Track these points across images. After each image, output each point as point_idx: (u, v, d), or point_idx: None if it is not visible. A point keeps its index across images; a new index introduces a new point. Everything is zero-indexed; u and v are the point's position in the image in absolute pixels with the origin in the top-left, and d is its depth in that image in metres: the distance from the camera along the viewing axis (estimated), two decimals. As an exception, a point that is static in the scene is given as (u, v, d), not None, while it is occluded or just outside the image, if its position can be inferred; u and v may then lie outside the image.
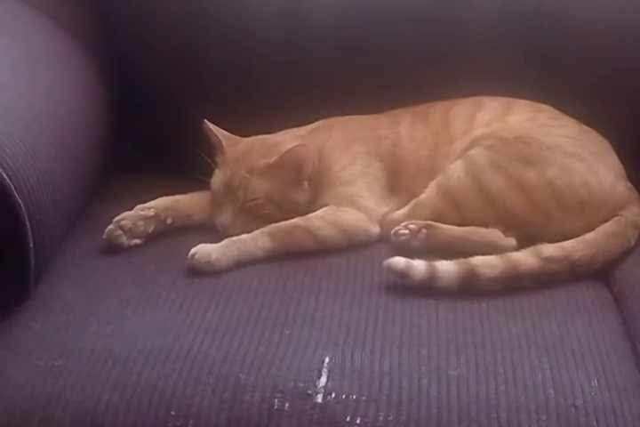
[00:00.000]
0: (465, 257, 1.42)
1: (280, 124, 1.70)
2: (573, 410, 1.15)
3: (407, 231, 1.51)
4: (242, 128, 1.66)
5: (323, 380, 1.16)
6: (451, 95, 1.69)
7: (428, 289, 1.38)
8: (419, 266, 1.39)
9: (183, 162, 1.66)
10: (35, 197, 1.29)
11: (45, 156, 1.36)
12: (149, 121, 1.86)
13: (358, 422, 1.12)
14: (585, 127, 1.64)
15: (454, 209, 1.54)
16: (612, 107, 1.72)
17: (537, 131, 1.58)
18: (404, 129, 1.66)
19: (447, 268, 1.39)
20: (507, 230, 1.52)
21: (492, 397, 1.16)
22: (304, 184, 1.58)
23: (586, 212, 1.53)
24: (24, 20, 1.66)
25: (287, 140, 1.62)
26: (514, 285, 1.41)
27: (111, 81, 1.77)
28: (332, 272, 1.44)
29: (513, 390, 1.17)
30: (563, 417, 1.14)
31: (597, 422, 1.13)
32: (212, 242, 1.46)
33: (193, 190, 1.63)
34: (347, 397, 1.14)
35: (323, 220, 1.53)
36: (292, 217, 1.53)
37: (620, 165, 1.61)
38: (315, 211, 1.56)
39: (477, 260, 1.41)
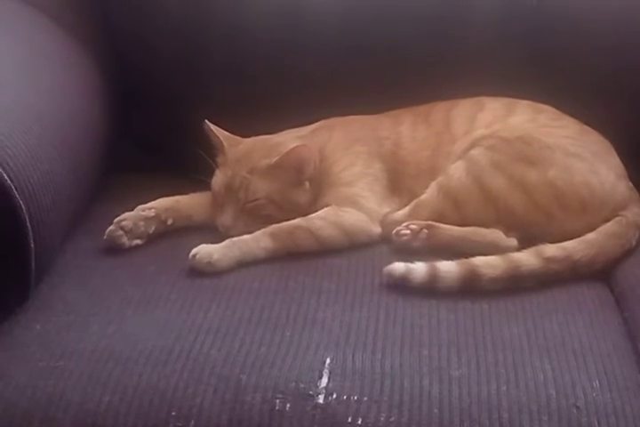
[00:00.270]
0: (466, 257, 1.42)
1: (280, 124, 1.69)
2: (575, 411, 1.15)
3: (408, 232, 1.51)
4: (242, 128, 1.65)
5: (324, 380, 1.16)
6: (452, 95, 1.69)
7: (430, 290, 1.38)
8: (418, 269, 1.39)
9: (184, 162, 1.66)
10: (36, 198, 1.29)
11: (46, 156, 1.36)
12: (150, 121, 1.86)
13: (360, 422, 1.12)
14: (586, 127, 1.64)
15: (455, 209, 1.54)
16: (612, 106, 1.72)
17: (538, 131, 1.58)
18: (405, 129, 1.66)
19: (449, 268, 1.39)
20: (508, 231, 1.52)
21: (493, 397, 1.16)
22: (305, 185, 1.58)
23: (587, 212, 1.53)
24: (25, 20, 1.65)
25: (288, 140, 1.62)
26: (515, 285, 1.41)
27: (112, 81, 1.77)
28: (334, 273, 1.44)
29: (514, 390, 1.17)
30: (564, 418, 1.14)
31: (599, 423, 1.13)
32: (213, 242, 1.46)
33: (194, 191, 1.63)
34: (348, 397, 1.14)
35: (324, 220, 1.52)
36: (294, 218, 1.53)
37: (622, 165, 1.61)
38: (316, 211, 1.55)
39: (479, 260, 1.41)
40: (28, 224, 1.26)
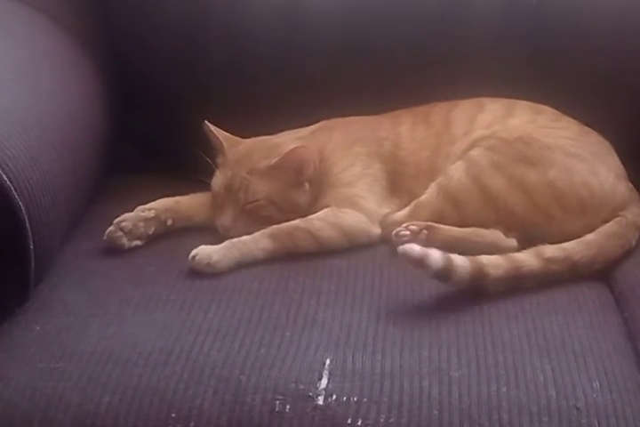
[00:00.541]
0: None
1: (280, 124, 1.69)
2: (575, 412, 1.15)
3: (408, 232, 1.51)
4: (242, 129, 1.65)
5: (324, 382, 1.16)
6: (451, 95, 1.69)
7: (443, 279, 1.36)
8: (434, 255, 1.36)
9: (183, 163, 1.66)
10: (35, 199, 1.29)
11: (46, 157, 1.36)
12: (150, 122, 1.86)
13: (359, 424, 1.12)
14: (586, 128, 1.64)
15: (455, 210, 1.54)
16: (612, 107, 1.72)
17: (538, 132, 1.58)
18: (405, 130, 1.66)
19: (461, 262, 1.37)
20: (508, 231, 1.52)
21: (493, 398, 1.16)
22: (305, 185, 1.58)
23: (587, 212, 1.53)
24: (24, 21, 1.65)
25: (288, 141, 1.62)
26: (516, 286, 1.41)
27: (111, 82, 1.76)
28: (333, 273, 1.44)
29: (514, 391, 1.17)
30: (565, 419, 1.14)
31: (599, 424, 1.13)
32: (212, 243, 1.46)
33: (193, 192, 1.63)
34: (348, 399, 1.14)
35: (323, 221, 1.52)
36: (293, 218, 1.53)
37: (621, 166, 1.61)
38: (315, 212, 1.55)
39: (485, 259, 1.40)
40: (28, 225, 1.26)
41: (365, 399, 1.14)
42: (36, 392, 1.15)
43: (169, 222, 1.56)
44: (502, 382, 1.19)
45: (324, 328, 1.28)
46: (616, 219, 1.53)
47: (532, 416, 1.14)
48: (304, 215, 1.54)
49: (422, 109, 1.69)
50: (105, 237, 1.50)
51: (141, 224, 1.52)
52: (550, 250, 1.45)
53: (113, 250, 1.50)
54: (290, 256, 1.48)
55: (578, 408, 1.15)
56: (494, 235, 1.52)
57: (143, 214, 1.54)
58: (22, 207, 1.25)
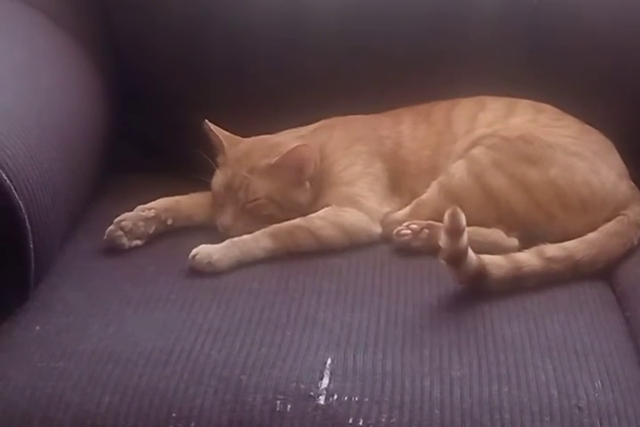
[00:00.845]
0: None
1: (281, 124, 1.69)
2: (577, 411, 1.14)
3: (409, 231, 1.51)
4: (242, 128, 1.65)
5: (325, 381, 1.16)
6: (452, 93, 1.69)
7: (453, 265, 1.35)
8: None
9: (184, 162, 1.66)
10: (35, 198, 1.28)
11: (46, 157, 1.35)
12: (150, 121, 1.86)
13: (360, 423, 1.11)
14: (587, 127, 1.64)
15: (456, 209, 1.54)
16: (613, 105, 1.72)
17: (539, 130, 1.57)
18: (406, 129, 1.66)
19: (472, 254, 1.37)
20: (509, 230, 1.52)
21: (494, 398, 1.15)
22: (305, 184, 1.58)
23: (588, 211, 1.53)
24: (24, 20, 1.65)
25: (288, 140, 1.62)
26: (518, 285, 1.40)
27: (111, 81, 1.76)
28: (334, 273, 1.44)
29: (516, 391, 1.17)
30: (566, 419, 1.13)
31: (601, 424, 1.13)
32: (212, 243, 1.45)
33: (194, 191, 1.63)
34: (349, 398, 1.14)
35: (324, 220, 1.52)
36: (294, 217, 1.53)
37: (623, 165, 1.60)
38: (316, 211, 1.55)
39: (487, 258, 1.40)
40: (28, 224, 1.26)
41: (367, 399, 1.14)
42: (36, 392, 1.15)
43: (169, 222, 1.56)
44: (504, 381, 1.18)
45: (324, 328, 1.28)
46: (618, 218, 1.53)
47: (534, 416, 1.13)
48: (305, 214, 1.54)
49: (423, 108, 1.68)
50: (105, 237, 1.50)
51: (141, 224, 1.52)
52: (552, 249, 1.45)
53: (113, 249, 1.49)
54: (290, 255, 1.48)
55: (579, 408, 1.15)
56: (496, 234, 1.51)
57: (143, 214, 1.53)
58: (22, 207, 1.25)
